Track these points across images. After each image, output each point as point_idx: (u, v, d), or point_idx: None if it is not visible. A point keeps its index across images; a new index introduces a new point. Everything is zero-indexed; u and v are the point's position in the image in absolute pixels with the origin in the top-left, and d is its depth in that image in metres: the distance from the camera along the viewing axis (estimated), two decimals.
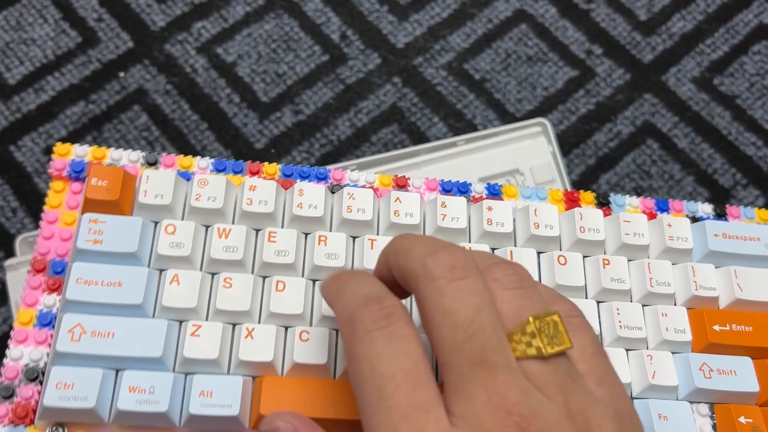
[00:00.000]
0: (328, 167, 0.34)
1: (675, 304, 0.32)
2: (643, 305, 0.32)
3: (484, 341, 0.20)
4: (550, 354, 0.20)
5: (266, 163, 0.34)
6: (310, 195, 0.32)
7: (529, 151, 0.44)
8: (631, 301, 0.32)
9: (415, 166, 0.43)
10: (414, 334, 0.21)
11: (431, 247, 0.22)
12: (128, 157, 0.33)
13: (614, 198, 0.35)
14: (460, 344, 0.20)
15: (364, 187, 0.33)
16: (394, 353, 0.21)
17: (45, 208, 0.31)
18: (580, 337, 0.22)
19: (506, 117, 0.52)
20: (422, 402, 0.20)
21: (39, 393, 0.28)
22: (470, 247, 0.31)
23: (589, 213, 0.33)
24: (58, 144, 0.33)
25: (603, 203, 0.35)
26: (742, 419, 0.29)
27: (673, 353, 0.31)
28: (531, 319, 0.21)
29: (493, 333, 0.20)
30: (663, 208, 0.35)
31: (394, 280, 0.24)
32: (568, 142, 0.51)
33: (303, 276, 0.31)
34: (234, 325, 0.29)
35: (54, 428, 0.27)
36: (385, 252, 0.24)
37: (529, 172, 0.44)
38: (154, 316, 0.29)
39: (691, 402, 0.30)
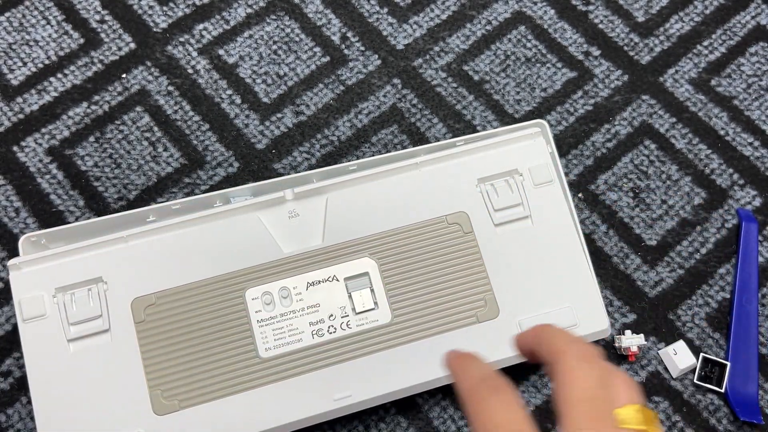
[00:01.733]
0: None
1: None
2: None
3: None
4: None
5: None
6: None
7: (527, 151, 0.45)
8: None
9: (414, 166, 0.44)
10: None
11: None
12: None
13: None
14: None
15: None
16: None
17: None
18: None
19: (505, 118, 0.52)
20: None
21: None
22: None
23: None
24: None
25: None
26: None
27: None
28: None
29: None
30: None
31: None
32: (566, 143, 0.52)
33: None
34: None
35: None
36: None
37: (528, 173, 0.44)
38: None
39: None
